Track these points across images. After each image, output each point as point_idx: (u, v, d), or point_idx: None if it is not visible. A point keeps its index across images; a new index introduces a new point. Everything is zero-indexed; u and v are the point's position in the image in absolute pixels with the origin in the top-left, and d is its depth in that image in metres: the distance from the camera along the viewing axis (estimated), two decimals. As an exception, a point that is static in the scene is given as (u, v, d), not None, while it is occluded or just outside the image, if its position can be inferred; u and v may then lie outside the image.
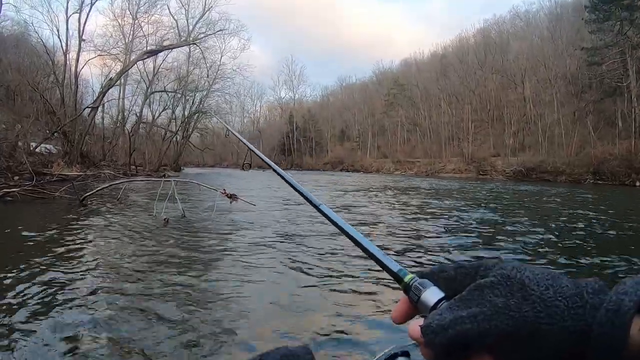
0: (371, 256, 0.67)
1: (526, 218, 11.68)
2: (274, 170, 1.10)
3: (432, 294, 0.54)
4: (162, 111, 53.86)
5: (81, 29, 35.64)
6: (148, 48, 39.91)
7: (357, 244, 0.71)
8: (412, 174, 57.02)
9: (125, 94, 49.96)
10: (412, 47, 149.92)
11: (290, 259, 6.55)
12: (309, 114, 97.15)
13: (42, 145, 30.01)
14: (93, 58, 39.62)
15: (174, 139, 54.19)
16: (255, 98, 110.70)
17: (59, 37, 39.67)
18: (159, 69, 49.98)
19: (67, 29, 35.11)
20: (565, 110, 47.63)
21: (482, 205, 15.39)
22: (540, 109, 50.98)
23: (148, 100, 51.61)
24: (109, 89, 33.71)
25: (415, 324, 0.51)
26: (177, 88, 51.45)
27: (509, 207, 15.19)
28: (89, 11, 35.58)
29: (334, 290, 5.11)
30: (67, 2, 34.47)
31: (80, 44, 35.59)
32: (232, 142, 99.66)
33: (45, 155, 28.30)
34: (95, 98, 33.25)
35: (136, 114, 50.16)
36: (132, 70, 48.52)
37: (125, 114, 47.89)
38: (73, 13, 34.84)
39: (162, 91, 51.73)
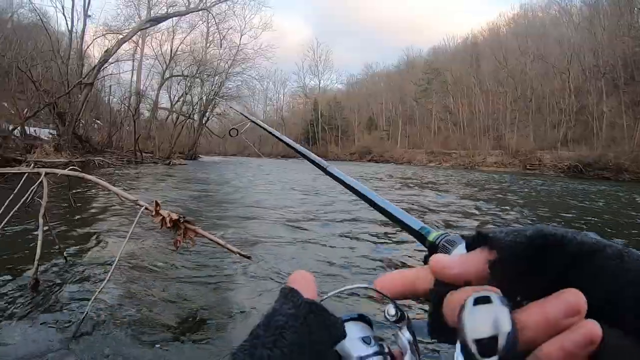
0: (389, 216, 0.66)
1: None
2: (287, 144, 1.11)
3: (464, 250, 0.45)
4: (181, 97, 51.03)
5: (86, 5, 34.95)
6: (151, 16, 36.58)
7: (374, 205, 0.70)
8: (449, 167, 52.85)
9: (142, 78, 47.69)
10: (443, 34, 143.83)
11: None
12: (335, 101, 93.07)
13: (37, 129, 27.85)
14: (99, 36, 38.70)
15: (190, 125, 51.29)
16: (279, 84, 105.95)
17: (63, 14, 38.46)
18: (176, 51, 47.48)
19: (72, 5, 34.93)
20: (612, 100, 43.53)
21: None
22: (587, 98, 46.62)
23: (165, 84, 48.98)
24: (105, 61, 30.54)
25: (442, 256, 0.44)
26: (195, 72, 48.07)
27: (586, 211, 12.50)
28: None
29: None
30: None
31: (85, 21, 35.11)
32: (252, 130, 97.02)
33: (32, 139, 25.28)
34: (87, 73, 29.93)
35: (152, 98, 47.76)
36: (148, 52, 46.32)
37: (139, 97, 44.37)
38: None
39: (179, 75, 49.06)
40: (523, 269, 0.39)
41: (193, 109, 52.76)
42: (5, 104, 25.83)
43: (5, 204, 5.08)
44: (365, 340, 0.48)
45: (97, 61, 31.22)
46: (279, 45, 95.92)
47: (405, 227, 0.63)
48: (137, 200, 4.91)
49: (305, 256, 6.14)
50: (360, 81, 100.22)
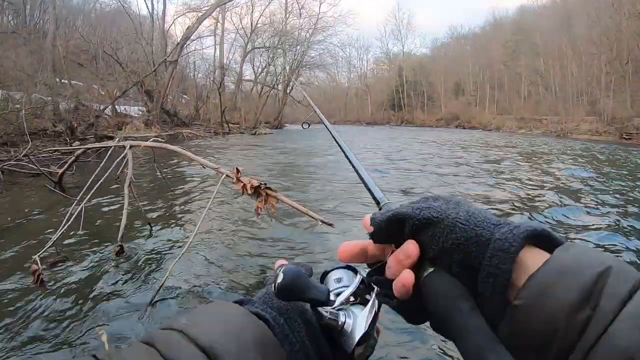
0: (362, 180, 0.82)
1: None
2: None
3: None
4: (264, 68, 51.69)
5: None
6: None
7: (354, 168, 0.86)
8: (539, 134, 50.12)
9: (224, 53, 48.45)
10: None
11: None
12: (420, 66, 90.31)
13: (127, 107, 29.32)
14: (179, 16, 39.97)
15: (275, 95, 52.07)
16: (362, 52, 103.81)
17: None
18: (256, 24, 48.05)
19: None
20: None
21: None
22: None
23: (248, 57, 49.78)
24: (187, 39, 31.61)
25: (368, 215, 0.66)
26: (277, 43, 48.40)
27: None
28: None
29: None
30: None
31: (165, 2, 37.33)
32: (339, 97, 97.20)
33: (122, 117, 26.65)
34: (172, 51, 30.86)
35: (236, 71, 48.72)
36: (229, 27, 47.19)
37: (223, 71, 45.40)
38: None
39: (260, 47, 49.66)
40: (387, 233, 0.63)
41: (277, 79, 53.48)
42: (95, 86, 27.08)
43: (93, 176, 5.27)
44: (337, 280, 0.74)
45: (179, 39, 32.12)
46: (359, 12, 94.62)
47: (370, 191, 0.79)
48: (218, 167, 4.94)
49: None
50: (445, 45, 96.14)
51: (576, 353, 0.44)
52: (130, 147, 5.54)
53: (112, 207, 6.34)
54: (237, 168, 4.51)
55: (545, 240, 0.55)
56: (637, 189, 9.74)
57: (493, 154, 18.52)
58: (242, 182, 4.49)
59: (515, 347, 0.49)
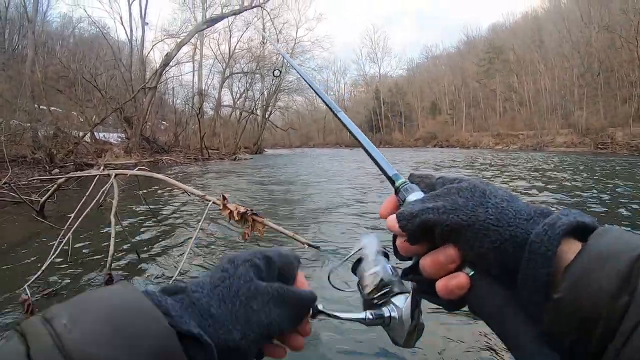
0: (373, 160, 0.81)
1: None
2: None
3: (415, 197, 0.67)
4: (243, 93, 52.27)
5: (143, 13, 37.41)
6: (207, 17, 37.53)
7: (365, 149, 0.85)
8: (516, 149, 51.22)
9: (203, 79, 49.23)
10: (501, 11, 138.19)
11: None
12: (396, 87, 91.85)
13: (106, 134, 29.38)
14: (158, 42, 40.71)
15: (254, 120, 52.54)
16: (339, 74, 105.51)
17: (122, 25, 42.70)
18: (234, 50, 48.59)
19: (130, 15, 37.53)
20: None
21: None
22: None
23: (226, 82, 50.25)
24: (166, 65, 31.77)
25: (392, 215, 0.64)
26: (255, 68, 48.95)
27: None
28: None
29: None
30: None
31: (143, 29, 37.46)
32: (315, 121, 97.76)
33: (102, 144, 26.60)
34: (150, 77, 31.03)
35: (214, 97, 49.10)
36: (207, 53, 47.65)
37: (202, 97, 45.62)
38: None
39: (238, 73, 50.21)
40: (420, 236, 0.61)
41: (255, 104, 54.01)
42: (74, 113, 26.98)
43: (80, 204, 5.28)
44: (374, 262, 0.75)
45: (158, 65, 32.29)
46: (336, 35, 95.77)
47: (383, 171, 0.78)
48: (204, 195, 5.00)
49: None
50: (421, 65, 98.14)
51: (617, 339, 0.44)
52: (116, 175, 5.57)
53: (99, 236, 6.31)
54: (223, 195, 4.59)
55: (579, 228, 0.54)
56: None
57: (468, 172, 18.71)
58: (229, 209, 4.57)
59: (558, 339, 0.50)
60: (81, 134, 23.85)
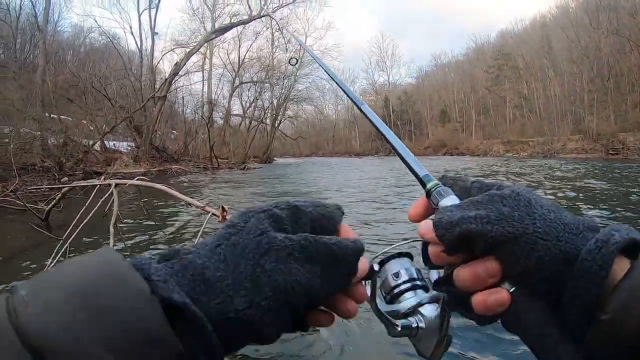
0: (402, 159, 0.76)
1: None
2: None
3: (450, 202, 0.61)
4: (252, 102, 52.80)
5: (152, 23, 37.87)
6: (215, 27, 37.92)
7: (393, 147, 0.79)
8: (527, 156, 50.59)
9: (212, 88, 50.12)
10: (509, 17, 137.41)
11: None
12: (406, 95, 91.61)
13: (116, 143, 29.70)
14: (168, 52, 40.54)
15: (263, 129, 52.73)
16: (348, 83, 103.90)
17: (132, 34, 44.93)
18: (243, 59, 48.90)
19: (139, 25, 38.21)
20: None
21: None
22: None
23: (235, 91, 50.55)
24: (175, 74, 32.36)
25: (427, 221, 0.59)
26: (264, 77, 49.49)
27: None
28: (158, 4, 38.05)
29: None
30: (138, 1, 38.02)
31: (153, 38, 37.74)
32: (325, 130, 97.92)
33: (111, 153, 26.90)
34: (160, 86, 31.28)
35: (224, 106, 49.39)
36: (217, 62, 48.05)
37: (211, 106, 46.06)
38: (144, 10, 37.93)
39: (248, 82, 50.47)
40: (456, 249, 0.55)
41: (265, 113, 54.20)
42: (84, 121, 27.25)
43: (79, 214, 5.32)
44: (395, 275, 0.67)
45: (167, 75, 32.64)
46: (345, 43, 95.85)
47: (413, 171, 0.72)
48: (204, 206, 5.01)
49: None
50: (430, 73, 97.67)
51: None
52: (116, 185, 5.61)
53: (99, 245, 6.33)
54: (222, 207, 4.59)
55: (630, 245, 0.50)
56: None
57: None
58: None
59: None
60: (91, 142, 24.09)
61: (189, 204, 5.19)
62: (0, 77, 24.21)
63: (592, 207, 9.64)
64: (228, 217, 4.57)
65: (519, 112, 67.07)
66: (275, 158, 59.18)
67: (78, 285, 0.39)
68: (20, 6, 35.16)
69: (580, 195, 11.85)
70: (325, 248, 0.52)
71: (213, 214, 4.74)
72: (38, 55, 28.58)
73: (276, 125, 55.57)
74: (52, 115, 24.27)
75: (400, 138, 0.79)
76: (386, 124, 0.88)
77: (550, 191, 12.58)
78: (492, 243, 0.52)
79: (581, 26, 54.15)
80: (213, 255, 0.48)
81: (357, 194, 13.19)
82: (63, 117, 25.40)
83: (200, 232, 4.60)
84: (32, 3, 30.54)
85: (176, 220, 8.96)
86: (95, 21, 40.40)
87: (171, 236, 7.31)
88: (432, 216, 0.59)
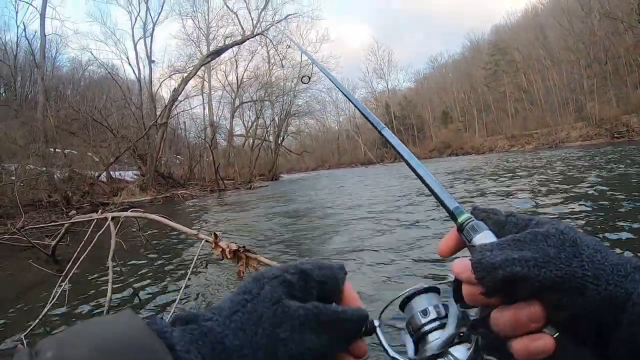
0: (430, 190, 0.70)
1: None
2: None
3: (486, 238, 0.57)
4: (254, 121, 53.35)
5: (149, 52, 38.52)
6: (210, 50, 38.43)
7: (419, 176, 0.73)
8: (532, 149, 50.46)
9: (213, 110, 50.78)
10: (501, 11, 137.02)
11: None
12: (406, 100, 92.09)
13: (121, 172, 29.98)
14: (165, 78, 41.23)
15: (267, 146, 53.10)
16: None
17: (129, 64, 43.91)
18: (242, 79, 49.35)
19: (136, 54, 38.96)
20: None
21: None
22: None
23: (237, 112, 51.06)
24: (174, 100, 32.80)
25: (463, 259, 0.54)
26: (264, 95, 50.34)
27: None
28: (152, 32, 39.05)
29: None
30: (133, 31, 39.01)
31: (150, 67, 38.11)
32: (331, 141, 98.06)
33: (117, 182, 27.17)
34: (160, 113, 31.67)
35: (226, 127, 49.87)
36: (216, 85, 48.57)
37: (213, 128, 46.57)
38: (139, 39, 38.80)
39: (248, 101, 51.10)
40: (498, 293, 0.51)
41: (267, 131, 54.56)
42: (89, 153, 27.58)
43: (77, 251, 5.43)
44: (423, 313, 0.63)
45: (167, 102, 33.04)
46: (341, 54, 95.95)
47: (442, 204, 0.66)
48: (197, 233, 5.11)
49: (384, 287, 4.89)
50: (428, 76, 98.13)
51: None
52: (112, 218, 5.73)
53: (100, 278, 6.43)
54: (214, 233, 4.67)
55: None
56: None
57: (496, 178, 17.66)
58: (220, 247, 4.65)
59: None
60: (96, 174, 24.35)
61: (182, 232, 5.29)
62: (2, 115, 24.64)
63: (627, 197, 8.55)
64: (221, 243, 4.67)
65: (520, 106, 67.17)
66: (281, 175, 59.35)
67: (102, 353, 0.39)
68: (17, 44, 36.15)
69: (613, 182, 10.90)
70: (334, 317, 0.53)
71: (206, 240, 4.84)
72: (38, 91, 29.06)
73: (279, 141, 55.99)
74: (56, 150, 24.60)
75: (404, 143, 0.79)
76: (390, 130, 0.86)
77: (581, 184, 11.34)
78: (539, 287, 0.48)
79: (573, 12, 54.42)
80: (231, 323, 0.49)
81: (367, 213, 12.31)
82: (67, 150, 25.82)
83: (195, 258, 4.66)
84: (28, 41, 31.01)
85: (174, 248, 9.01)
86: (92, 54, 40.60)
87: (172, 262, 7.38)
88: (464, 250, 0.59)
